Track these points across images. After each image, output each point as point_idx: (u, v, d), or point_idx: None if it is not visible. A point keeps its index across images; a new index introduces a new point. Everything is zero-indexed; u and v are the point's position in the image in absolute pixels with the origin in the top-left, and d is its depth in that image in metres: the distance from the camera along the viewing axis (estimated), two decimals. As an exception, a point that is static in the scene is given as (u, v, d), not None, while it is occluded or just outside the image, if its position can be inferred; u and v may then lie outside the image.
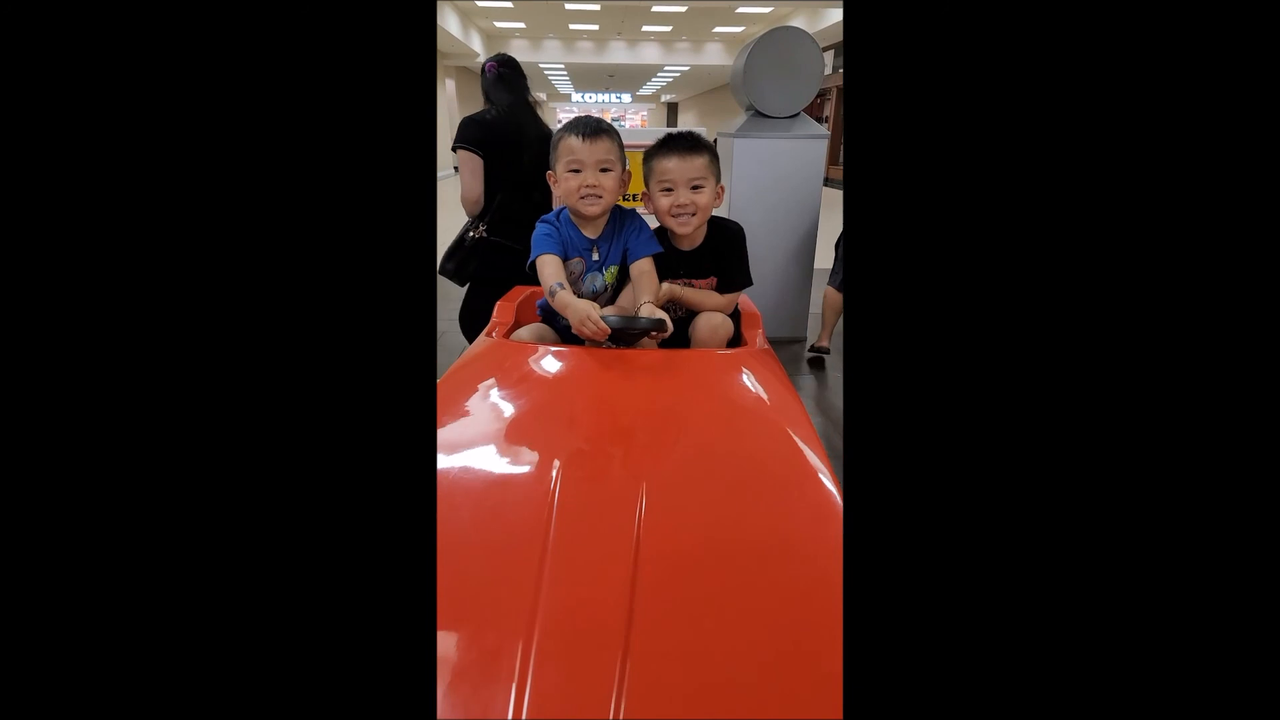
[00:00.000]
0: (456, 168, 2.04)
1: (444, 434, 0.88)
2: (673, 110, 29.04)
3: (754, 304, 1.55)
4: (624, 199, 1.38)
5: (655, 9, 12.66)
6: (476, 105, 2.16)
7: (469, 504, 0.76)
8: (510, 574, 0.65)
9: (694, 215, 1.32)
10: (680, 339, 1.33)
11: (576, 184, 1.26)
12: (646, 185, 1.36)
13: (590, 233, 1.33)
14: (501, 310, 1.51)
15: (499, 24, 14.80)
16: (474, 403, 1.02)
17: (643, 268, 1.30)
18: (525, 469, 0.82)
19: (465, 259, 2.06)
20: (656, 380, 1.05)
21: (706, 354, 1.20)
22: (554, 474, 0.77)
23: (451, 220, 2.22)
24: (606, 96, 26.06)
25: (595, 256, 1.34)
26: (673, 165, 1.30)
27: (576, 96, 26.66)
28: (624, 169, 1.30)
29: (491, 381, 1.08)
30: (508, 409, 1.01)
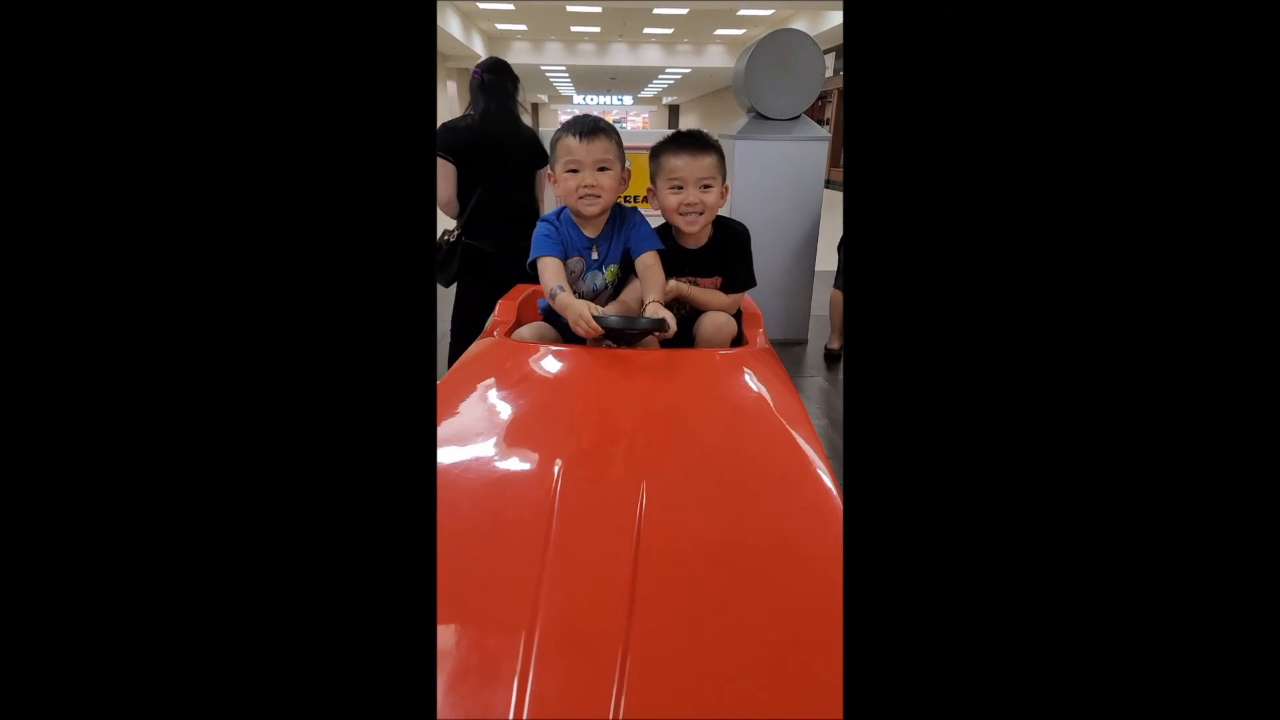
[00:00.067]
0: None
1: (445, 433, 0.88)
2: (674, 112, 29.08)
3: (755, 305, 1.55)
4: (625, 200, 1.39)
5: (657, 11, 12.68)
6: (476, 108, 2.19)
7: (470, 503, 0.76)
8: (511, 573, 0.65)
9: (701, 214, 1.33)
10: (683, 338, 1.34)
11: (574, 184, 1.26)
12: (653, 182, 1.36)
13: (590, 232, 1.34)
14: (502, 309, 1.51)
15: (500, 26, 14.82)
16: (475, 402, 1.02)
17: (647, 262, 1.30)
18: (526, 468, 0.83)
19: (444, 260, 2.13)
20: (658, 380, 1.05)
21: (708, 354, 1.20)
22: (555, 473, 0.77)
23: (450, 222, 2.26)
24: (608, 99, 26.10)
25: (594, 255, 1.35)
26: (682, 164, 1.30)
27: (578, 99, 26.69)
28: (623, 167, 1.30)
29: (492, 380, 1.08)
30: (508, 408, 1.01)
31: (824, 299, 3.43)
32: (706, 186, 1.31)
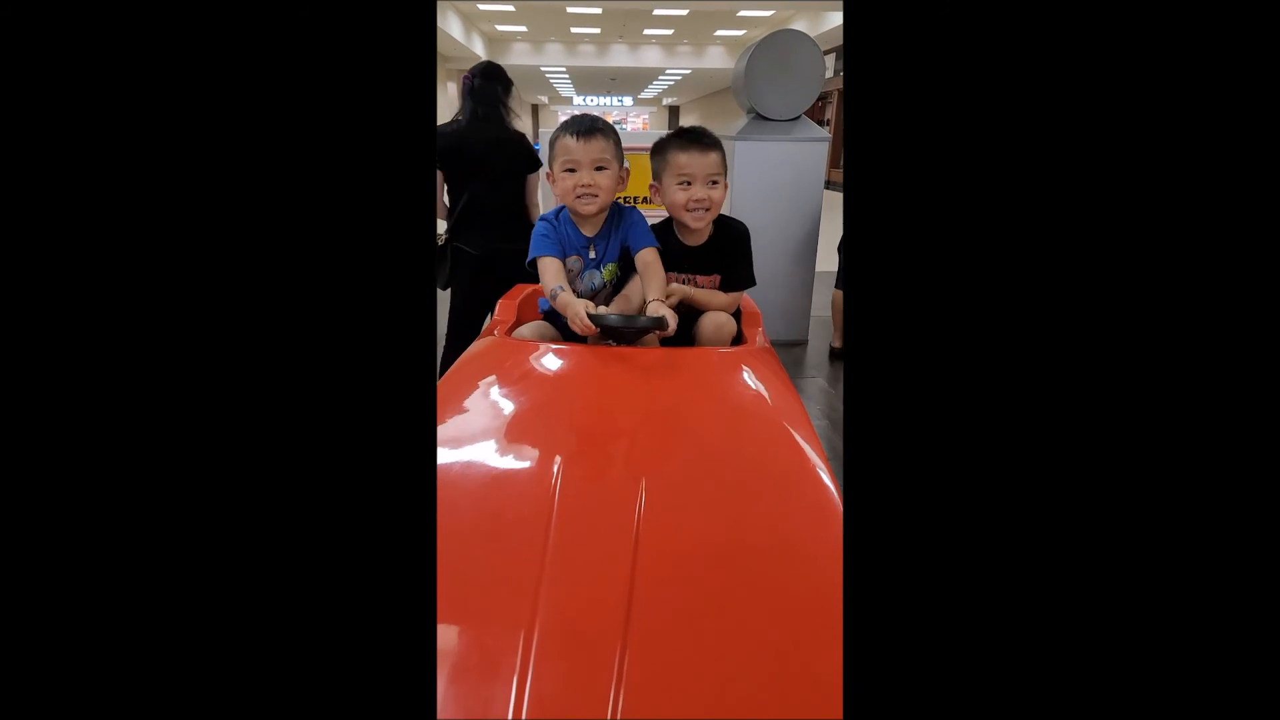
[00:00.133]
0: None
1: (445, 431, 0.88)
2: (674, 114, 29.08)
3: (754, 304, 1.55)
4: (625, 201, 1.39)
5: (657, 12, 12.68)
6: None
7: (469, 501, 0.76)
8: (510, 571, 0.65)
9: (708, 210, 1.34)
10: (684, 337, 1.34)
11: (572, 183, 1.26)
12: (659, 178, 1.36)
13: (588, 231, 1.34)
14: (503, 309, 1.51)
15: (501, 27, 14.83)
16: (475, 400, 1.03)
17: (646, 259, 1.31)
18: (525, 466, 0.83)
19: (437, 263, 2.19)
20: (657, 378, 1.05)
21: (707, 352, 1.20)
22: (554, 471, 0.77)
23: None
24: (608, 100, 26.10)
25: (592, 255, 1.35)
26: (691, 159, 1.31)
27: (578, 100, 26.70)
28: (621, 166, 1.31)
29: (492, 379, 1.08)
30: (508, 406, 1.02)
31: (824, 299, 3.43)
32: (714, 183, 1.32)
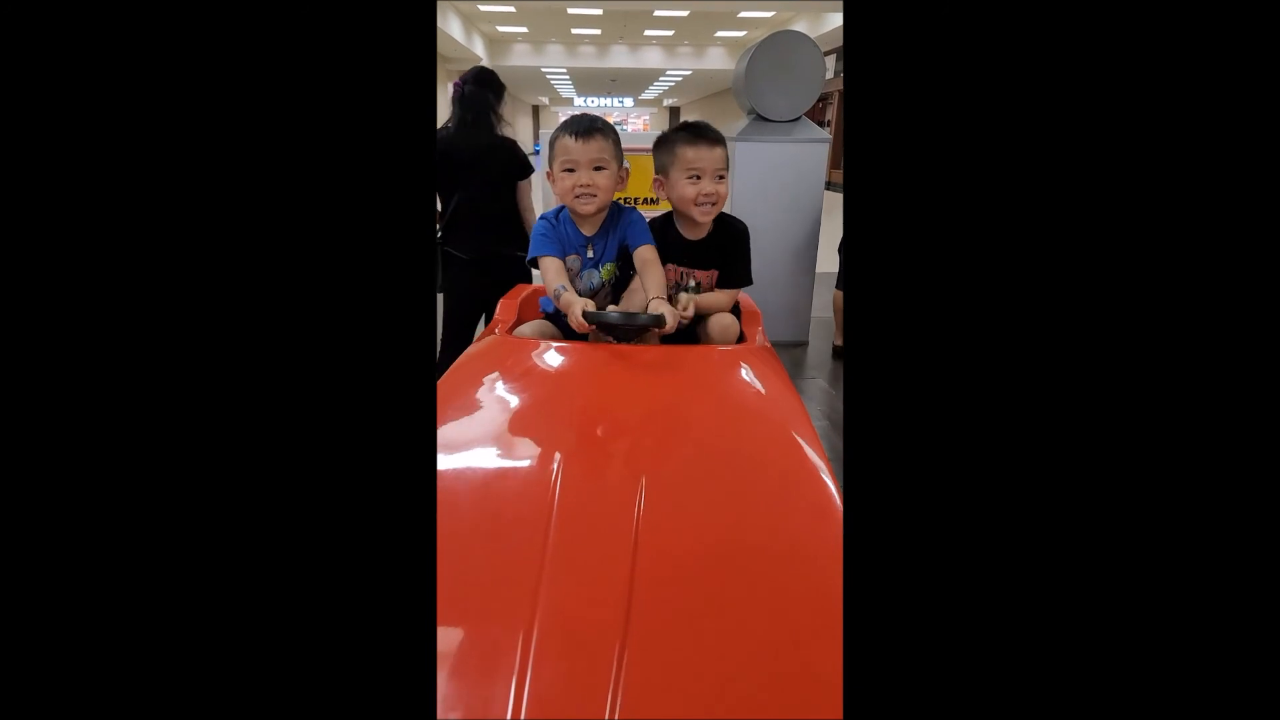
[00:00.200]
0: None
1: (445, 429, 0.88)
2: (675, 115, 29.11)
3: (754, 303, 1.56)
4: (625, 201, 1.39)
5: (657, 13, 12.70)
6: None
7: (469, 499, 0.76)
8: (510, 570, 0.65)
9: (715, 204, 1.35)
10: (687, 336, 1.34)
11: (571, 183, 1.27)
12: (665, 173, 1.37)
13: (587, 230, 1.35)
14: (503, 308, 1.51)
15: (501, 28, 14.84)
16: (476, 398, 1.03)
17: (645, 256, 1.31)
18: (525, 464, 0.83)
19: None
20: (657, 376, 1.06)
21: (707, 350, 1.20)
22: (554, 469, 0.77)
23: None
24: (609, 101, 26.12)
25: (590, 254, 1.36)
26: (700, 154, 1.32)
27: (579, 101, 26.73)
28: (621, 165, 1.31)
29: (493, 377, 1.08)
30: (508, 404, 1.02)
31: (825, 300, 3.43)
32: (720, 177, 1.33)
